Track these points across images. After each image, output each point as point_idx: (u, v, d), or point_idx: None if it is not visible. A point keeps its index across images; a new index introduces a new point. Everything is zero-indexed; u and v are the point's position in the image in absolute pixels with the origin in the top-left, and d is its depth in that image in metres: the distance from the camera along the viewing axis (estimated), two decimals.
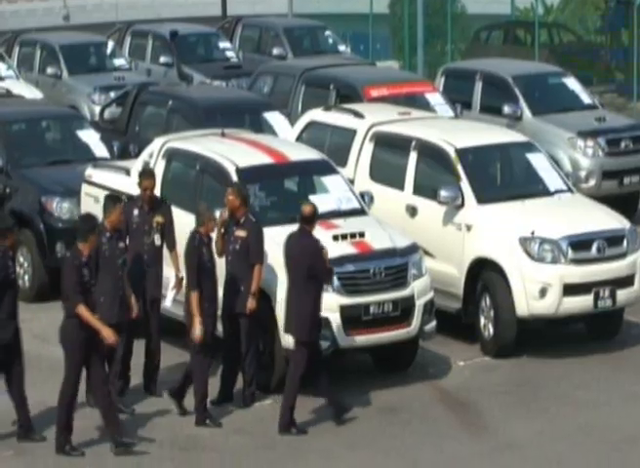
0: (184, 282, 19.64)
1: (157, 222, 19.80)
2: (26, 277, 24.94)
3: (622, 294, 21.74)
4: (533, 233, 21.07)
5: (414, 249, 20.61)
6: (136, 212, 19.67)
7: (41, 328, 23.15)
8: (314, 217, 19.06)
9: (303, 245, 18.75)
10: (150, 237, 19.68)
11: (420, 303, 20.12)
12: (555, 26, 46.24)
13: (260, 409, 19.93)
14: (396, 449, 18.37)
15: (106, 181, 23.46)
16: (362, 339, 19.65)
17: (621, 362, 21.28)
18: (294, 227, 20.10)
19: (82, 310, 17.53)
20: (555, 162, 24.44)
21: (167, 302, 20.26)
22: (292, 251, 18.98)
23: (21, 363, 18.64)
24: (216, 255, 19.32)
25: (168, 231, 19.97)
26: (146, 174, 20.24)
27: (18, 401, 18.56)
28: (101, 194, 23.20)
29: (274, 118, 27.26)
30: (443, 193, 21.47)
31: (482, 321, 21.69)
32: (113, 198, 19.74)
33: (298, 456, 18.32)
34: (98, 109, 34.08)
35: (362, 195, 21.21)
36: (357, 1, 46.64)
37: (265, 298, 19.93)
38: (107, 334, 17.63)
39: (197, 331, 18.54)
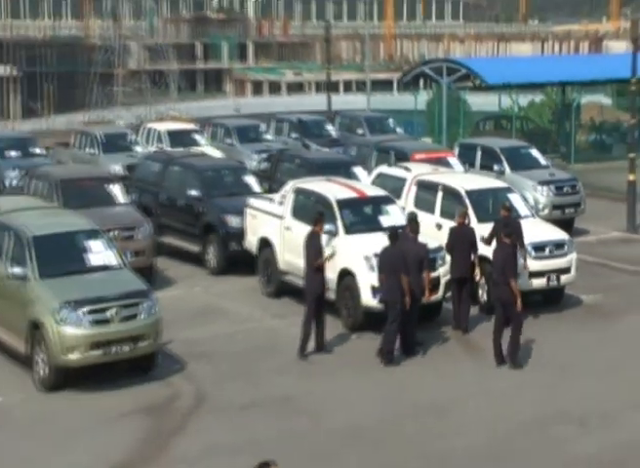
0: None
1: None
2: (214, 261, 24.60)
3: (564, 278, 21.62)
4: None
5: (441, 248, 20.52)
6: None
7: (219, 290, 23.27)
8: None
9: None
10: None
11: None
12: (525, 119, 46.08)
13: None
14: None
15: (260, 206, 23.51)
16: None
17: (564, 315, 21.18)
18: (370, 235, 20.52)
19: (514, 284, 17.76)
20: (524, 199, 24.31)
21: None
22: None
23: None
24: None
25: None
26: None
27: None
28: (257, 214, 23.34)
29: (358, 171, 27.31)
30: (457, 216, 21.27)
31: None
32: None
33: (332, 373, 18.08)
34: (254, 163, 34.20)
35: (411, 215, 20.94)
36: (408, 102, 46.59)
37: (352, 275, 19.93)
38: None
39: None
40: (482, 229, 20.99)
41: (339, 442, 14.87)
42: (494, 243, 20.07)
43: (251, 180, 26.44)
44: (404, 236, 18.95)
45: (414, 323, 18.86)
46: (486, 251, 20.62)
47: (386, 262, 18.28)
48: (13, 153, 34.18)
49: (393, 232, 18.66)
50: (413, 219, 19.54)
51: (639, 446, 14.80)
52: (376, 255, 19.46)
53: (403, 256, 18.27)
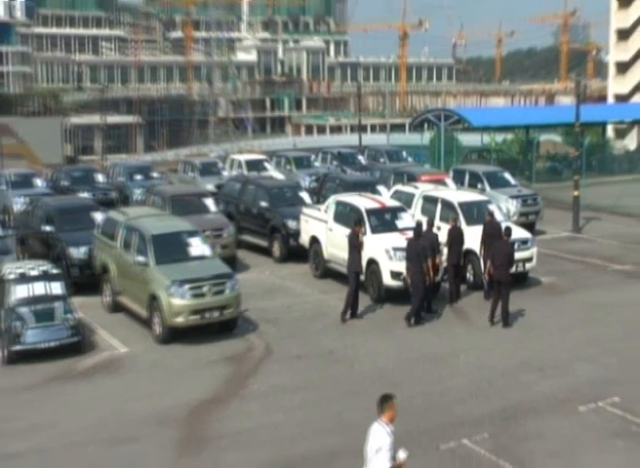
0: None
1: None
2: (278, 252, 24.44)
3: (528, 265, 21.36)
4: None
5: (440, 243, 20.06)
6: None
7: (281, 273, 23.14)
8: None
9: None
10: None
11: None
12: (499, 151, 45.65)
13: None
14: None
15: (311, 213, 23.30)
16: None
17: (528, 292, 20.90)
18: (389, 234, 20.25)
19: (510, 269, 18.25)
20: (499, 208, 23.94)
21: None
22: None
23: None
24: None
25: None
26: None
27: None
28: (309, 219, 23.15)
29: (381, 188, 26.97)
30: (450, 220, 20.97)
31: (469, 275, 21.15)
32: None
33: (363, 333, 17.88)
34: (307, 183, 33.71)
35: (418, 221, 20.68)
36: (416, 139, 46.18)
37: (376, 263, 19.69)
38: None
39: None
40: (470, 230, 20.76)
41: (366, 382, 14.79)
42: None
43: (304, 195, 26.20)
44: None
45: (428, 297, 18.76)
46: (471, 245, 20.48)
47: (412, 253, 18.08)
48: (138, 177, 34.40)
49: (418, 231, 18.54)
50: (419, 224, 19.26)
51: (583, 387, 14.59)
52: (394, 249, 19.40)
53: (424, 248, 18.17)
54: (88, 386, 14.89)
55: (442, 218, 22.17)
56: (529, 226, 26.30)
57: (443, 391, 14.43)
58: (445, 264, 19.89)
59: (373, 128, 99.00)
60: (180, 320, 16.81)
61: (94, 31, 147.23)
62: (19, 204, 28.68)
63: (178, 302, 16.74)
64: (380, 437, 8.51)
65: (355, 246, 18.66)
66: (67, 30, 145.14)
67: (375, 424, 8.62)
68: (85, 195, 29.86)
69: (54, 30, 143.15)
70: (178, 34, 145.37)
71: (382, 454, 8.46)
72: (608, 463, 11.86)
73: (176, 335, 17.00)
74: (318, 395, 14.29)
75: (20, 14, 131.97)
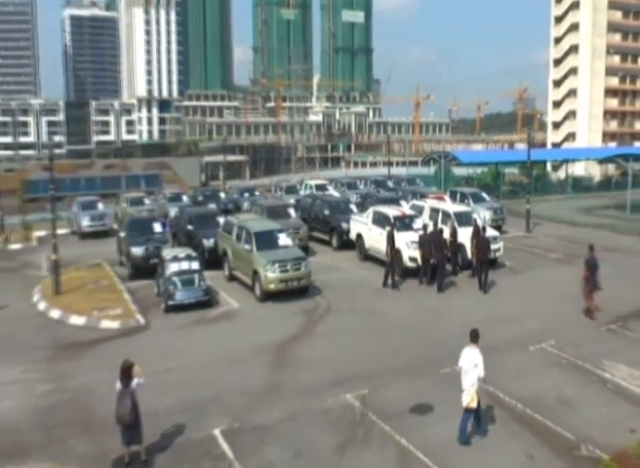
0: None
1: None
2: (335, 244, 23.95)
3: (497, 254, 20.63)
4: None
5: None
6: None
7: (337, 258, 22.70)
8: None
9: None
10: None
11: None
12: (479, 179, 44.53)
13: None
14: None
15: (357, 218, 22.88)
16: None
17: (497, 272, 20.18)
18: (408, 232, 19.67)
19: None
20: (479, 216, 23.24)
21: None
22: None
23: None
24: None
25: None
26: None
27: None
28: (356, 222, 22.67)
29: (403, 202, 26.17)
30: (448, 223, 20.61)
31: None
32: None
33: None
34: (354, 199, 32.82)
35: (424, 224, 20.20)
36: (425, 171, 45.41)
37: (399, 251, 19.16)
38: None
39: None
40: (460, 230, 20.20)
41: (390, 328, 14.63)
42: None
43: (353, 207, 25.67)
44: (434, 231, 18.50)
45: (443, 272, 18.20)
46: (462, 240, 19.94)
47: (429, 241, 17.80)
48: (246, 194, 34.13)
49: (440, 230, 18.23)
50: (425, 226, 18.89)
51: (531, 334, 14.20)
52: (411, 242, 19.05)
53: (442, 240, 17.95)
54: (214, 328, 14.98)
55: (442, 223, 21.67)
56: (498, 228, 25.59)
57: (442, 335, 14.15)
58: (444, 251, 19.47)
59: (397, 163, 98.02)
60: (272, 286, 16.78)
61: (219, 103, 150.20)
62: (173, 211, 29.08)
63: (271, 275, 16.71)
64: (476, 356, 9.37)
65: (389, 241, 18.36)
66: (203, 102, 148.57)
67: (469, 348, 9.51)
68: (213, 206, 29.97)
69: (194, 103, 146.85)
70: (271, 104, 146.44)
71: (480, 367, 9.26)
72: (546, 383, 11.62)
73: (269, 297, 16.96)
74: (361, 336, 14.14)
75: (175, 93, 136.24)
